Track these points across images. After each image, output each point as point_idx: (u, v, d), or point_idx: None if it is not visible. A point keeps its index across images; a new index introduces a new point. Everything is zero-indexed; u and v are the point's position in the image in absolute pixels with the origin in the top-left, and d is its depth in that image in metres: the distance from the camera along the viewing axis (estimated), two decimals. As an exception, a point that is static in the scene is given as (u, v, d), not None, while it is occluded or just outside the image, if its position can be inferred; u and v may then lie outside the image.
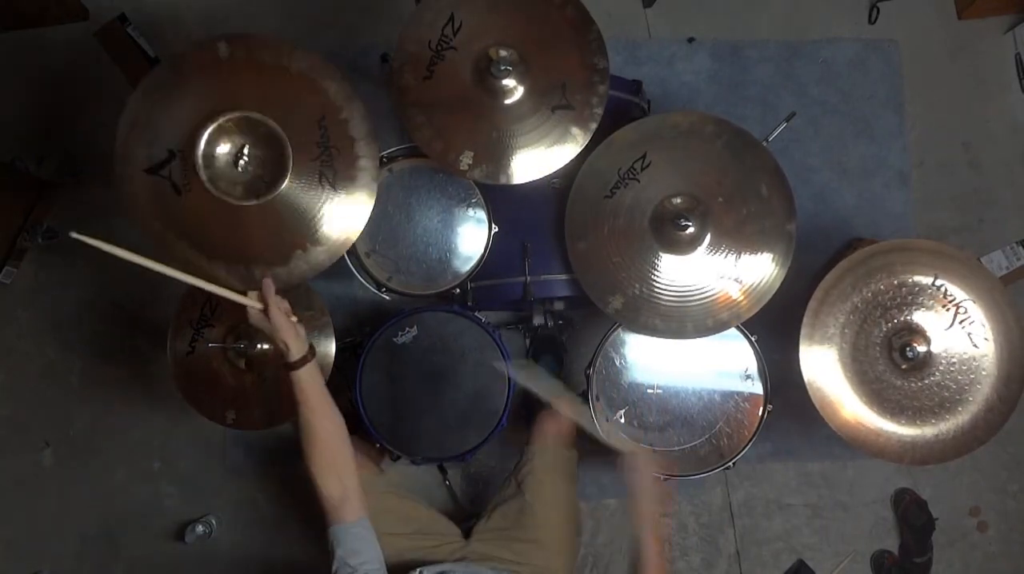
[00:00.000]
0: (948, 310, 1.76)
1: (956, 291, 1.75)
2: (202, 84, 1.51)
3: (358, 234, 1.59)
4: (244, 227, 1.52)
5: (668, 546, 2.34)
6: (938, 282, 1.75)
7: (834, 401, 1.77)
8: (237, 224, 1.51)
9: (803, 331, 1.76)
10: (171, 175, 1.49)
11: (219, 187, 1.47)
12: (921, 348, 1.74)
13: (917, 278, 1.77)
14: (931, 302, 1.76)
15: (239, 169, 1.48)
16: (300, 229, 1.55)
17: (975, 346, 1.75)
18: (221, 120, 1.45)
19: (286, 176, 1.50)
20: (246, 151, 1.48)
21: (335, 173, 1.55)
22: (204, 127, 1.45)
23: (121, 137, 1.49)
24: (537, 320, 2.22)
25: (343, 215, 1.57)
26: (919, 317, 1.77)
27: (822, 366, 1.77)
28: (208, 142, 1.46)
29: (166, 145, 1.48)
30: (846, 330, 1.78)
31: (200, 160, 1.45)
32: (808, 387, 1.76)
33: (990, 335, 1.74)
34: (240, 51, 1.50)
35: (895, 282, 1.77)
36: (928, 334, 1.76)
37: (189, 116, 1.48)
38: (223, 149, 1.48)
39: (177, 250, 1.54)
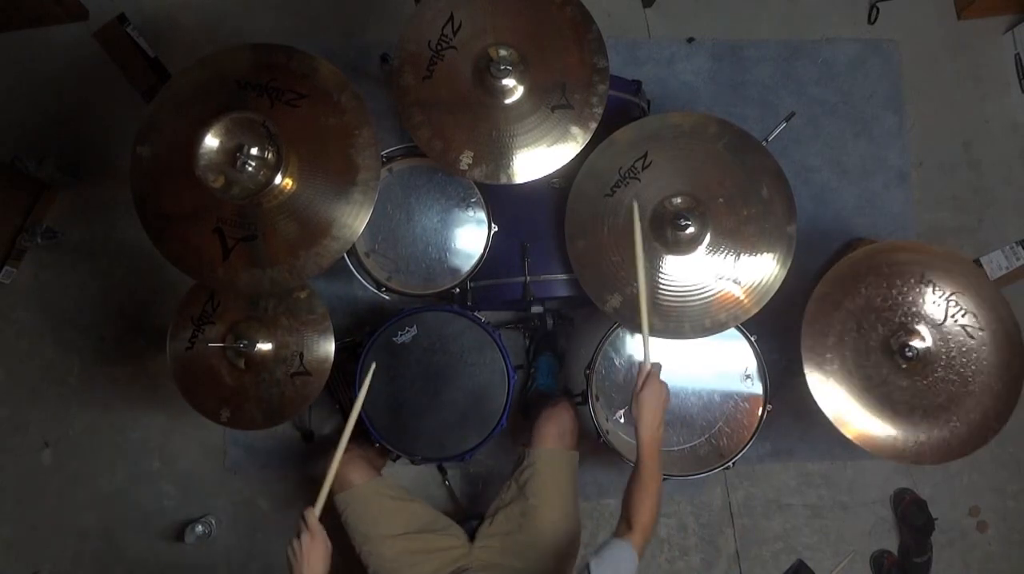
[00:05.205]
0: (939, 306, 1.78)
1: (944, 286, 1.78)
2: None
3: (358, 234, 1.60)
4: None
5: (668, 545, 2.34)
6: (925, 280, 1.78)
7: (845, 412, 1.78)
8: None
9: (804, 343, 1.77)
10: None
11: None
12: (918, 345, 1.75)
13: (904, 278, 1.78)
14: (921, 300, 1.78)
15: (237, 167, 1.50)
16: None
17: (971, 338, 1.76)
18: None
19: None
20: (245, 150, 1.50)
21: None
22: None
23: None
24: (536, 311, 2.21)
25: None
26: (912, 316, 1.78)
27: (831, 377, 1.78)
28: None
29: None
30: (845, 338, 1.79)
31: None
32: (819, 401, 1.77)
33: (983, 324, 1.76)
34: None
35: (884, 285, 1.79)
36: (923, 331, 1.78)
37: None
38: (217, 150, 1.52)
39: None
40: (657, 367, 1.55)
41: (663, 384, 1.54)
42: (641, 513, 1.46)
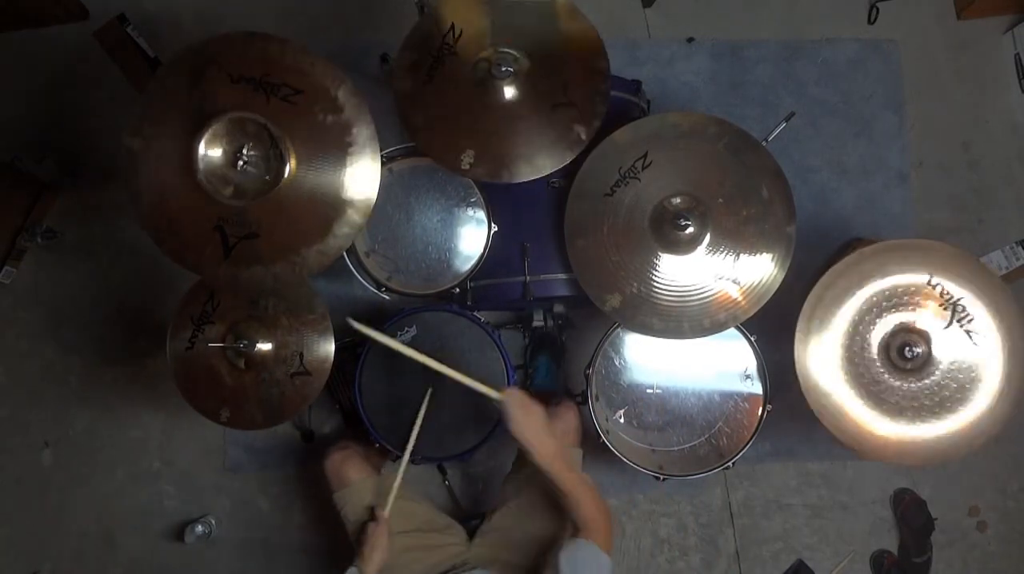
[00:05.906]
0: (946, 309, 1.74)
1: (953, 290, 1.73)
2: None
3: (358, 233, 1.60)
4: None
5: (668, 545, 2.34)
6: (934, 281, 1.74)
7: (833, 405, 1.76)
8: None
9: (797, 336, 1.75)
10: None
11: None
12: (919, 349, 1.72)
13: (912, 278, 1.75)
14: (928, 302, 1.75)
15: (238, 169, 1.50)
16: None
17: (975, 344, 1.73)
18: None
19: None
20: (245, 151, 1.50)
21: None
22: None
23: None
24: (537, 320, 2.22)
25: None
26: (916, 317, 1.75)
27: (819, 370, 1.76)
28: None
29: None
30: (841, 333, 1.77)
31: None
32: (806, 393, 1.75)
33: (990, 333, 1.73)
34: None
35: (890, 283, 1.76)
36: (926, 334, 1.74)
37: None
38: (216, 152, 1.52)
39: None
40: (509, 394, 1.54)
41: (523, 398, 1.53)
42: (586, 516, 1.50)
